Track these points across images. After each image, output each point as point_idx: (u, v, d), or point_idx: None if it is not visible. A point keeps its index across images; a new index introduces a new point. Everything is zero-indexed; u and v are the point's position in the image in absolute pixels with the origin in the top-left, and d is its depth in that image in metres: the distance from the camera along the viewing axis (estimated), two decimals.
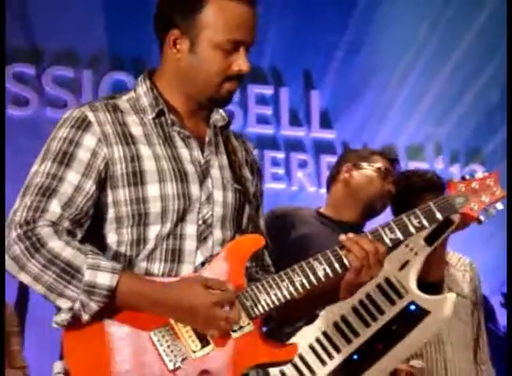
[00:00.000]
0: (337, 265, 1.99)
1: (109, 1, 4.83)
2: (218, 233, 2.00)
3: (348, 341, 2.56)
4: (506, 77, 5.30)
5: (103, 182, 1.94)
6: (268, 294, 1.98)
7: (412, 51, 5.27)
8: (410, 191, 3.02)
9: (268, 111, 5.14)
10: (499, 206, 2.09)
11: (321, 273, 2.02)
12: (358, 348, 2.54)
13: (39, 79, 4.76)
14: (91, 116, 1.92)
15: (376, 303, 2.59)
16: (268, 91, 5.17)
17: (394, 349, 2.53)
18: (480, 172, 2.11)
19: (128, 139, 1.96)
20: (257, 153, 4.96)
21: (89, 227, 1.95)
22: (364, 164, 3.02)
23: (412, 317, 2.57)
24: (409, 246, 2.65)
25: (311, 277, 2.01)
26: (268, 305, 1.97)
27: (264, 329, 2.11)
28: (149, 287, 1.91)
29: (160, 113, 1.97)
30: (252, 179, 2.14)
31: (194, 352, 1.89)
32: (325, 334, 2.57)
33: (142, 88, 2.01)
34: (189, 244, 1.97)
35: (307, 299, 2.08)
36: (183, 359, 1.89)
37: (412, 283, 2.58)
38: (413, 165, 5.13)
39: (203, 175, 2.00)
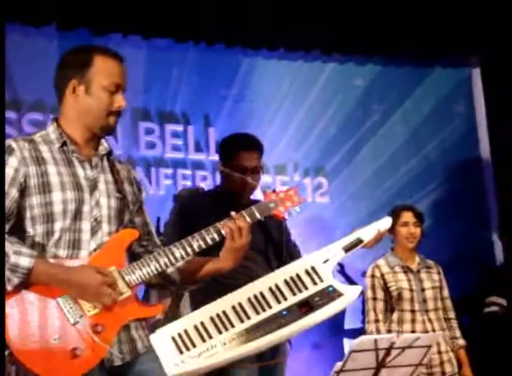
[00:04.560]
0: (209, 238, 2.28)
1: None
2: (105, 228, 2.22)
3: (278, 301, 2.67)
4: None
5: (23, 190, 2.15)
6: (142, 269, 2.21)
7: (278, 99, 5.97)
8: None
9: (179, 142, 5.77)
10: (297, 209, 2.43)
11: (195, 245, 2.27)
12: (286, 308, 2.66)
13: (19, 121, 5.33)
14: (14, 145, 2.17)
15: (302, 281, 2.71)
16: (179, 128, 5.77)
17: (313, 313, 2.67)
18: (285, 187, 2.50)
19: (40, 161, 2.18)
20: (171, 172, 6.14)
21: (14, 223, 2.15)
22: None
23: (329, 295, 2.71)
24: (330, 249, 2.80)
25: (187, 250, 2.26)
26: (141, 277, 2.21)
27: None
28: (56, 270, 2.12)
29: (63, 144, 2.22)
30: (131, 190, 2.34)
31: (89, 311, 2.13)
32: (261, 293, 2.67)
33: (51, 128, 2.25)
34: (85, 235, 2.19)
35: (196, 268, 2.38)
36: (81, 316, 2.12)
37: (330, 274, 2.74)
38: (279, 179, 5.89)
39: (93, 187, 2.24)
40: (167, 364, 2.48)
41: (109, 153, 2.32)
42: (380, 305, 4.08)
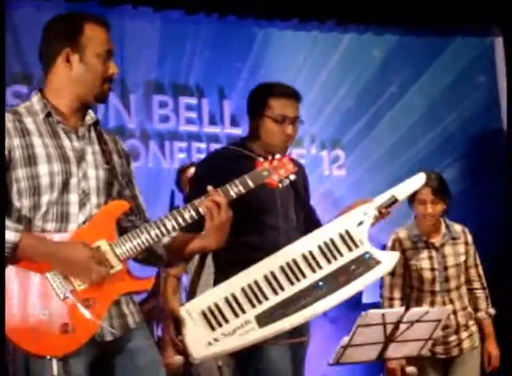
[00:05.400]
0: (188, 215, 2.18)
1: None
2: (94, 200, 2.16)
3: (313, 270, 2.50)
4: None
5: (8, 164, 2.08)
6: (132, 241, 2.13)
7: (294, 71, 5.81)
8: None
9: (193, 115, 5.69)
10: (292, 177, 2.33)
11: (187, 215, 2.18)
12: (322, 278, 2.49)
13: (30, 95, 5.41)
14: None
15: (337, 247, 2.54)
16: (193, 101, 5.70)
17: (351, 284, 2.50)
18: (278, 155, 2.33)
19: (24, 132, 2.11)
20: (186, 145, 6.13)
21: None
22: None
23: (366, 263, 2.53)
24: (364, 209, 2.62)
25: (176, 222, 2.16)
26: (132, 249, 2.13)
27: None
28: (43, 244, 2.06)
29: (48, 115, 2.15)
30: (119, 162, 2.28)
31: (79, 285, 2.08)
32: (294, 261, 2.51)
33: (35, 99, 2.19)
34: (73, 208, 2.13)
35: (182, 245, 2.29)
36: (71, 291, 2.07)
37: (365, 238, 2.56)
38: (295, 152, 5.71)
39: (80, 158, 2.17)
40: (196, 343, 2.33)
41: (97, 123, 2.26)
42: (398, 280, 3.86)
